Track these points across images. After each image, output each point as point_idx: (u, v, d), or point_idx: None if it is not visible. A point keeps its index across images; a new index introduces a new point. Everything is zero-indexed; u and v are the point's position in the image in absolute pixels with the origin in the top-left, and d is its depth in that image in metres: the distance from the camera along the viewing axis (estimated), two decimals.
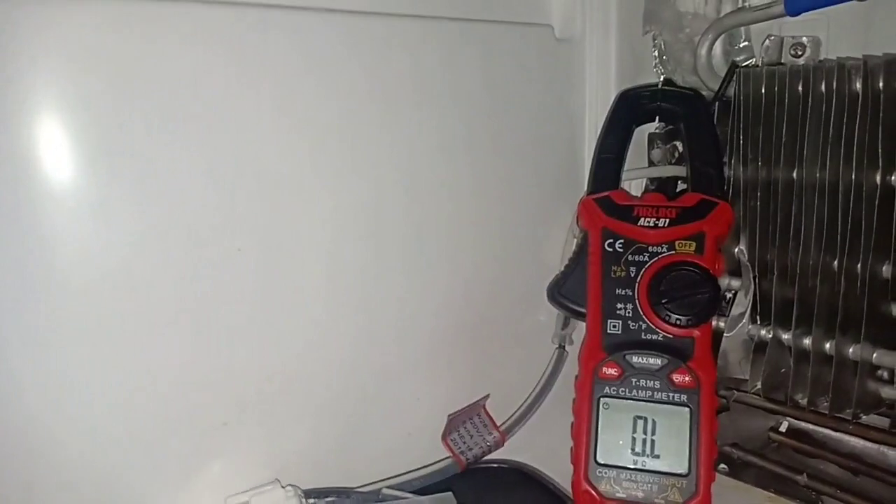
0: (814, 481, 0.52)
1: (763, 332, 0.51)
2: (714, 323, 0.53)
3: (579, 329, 0.52)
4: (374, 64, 0.46)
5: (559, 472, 0.52)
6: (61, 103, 0.36)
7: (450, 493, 0.46)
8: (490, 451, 0.52)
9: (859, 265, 0.47)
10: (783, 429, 0.57)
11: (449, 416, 0.53)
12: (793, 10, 0.49)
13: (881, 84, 0.46)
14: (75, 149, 0.37)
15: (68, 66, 0.36)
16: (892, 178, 0.46)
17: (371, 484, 0.48)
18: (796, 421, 0.56)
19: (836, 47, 0.51)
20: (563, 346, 0.55)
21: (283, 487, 0.43)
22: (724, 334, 0.53)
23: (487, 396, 0.54)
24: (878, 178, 0.46)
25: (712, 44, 0.54)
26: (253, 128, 0.42)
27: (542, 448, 0.54)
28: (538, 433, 0.54)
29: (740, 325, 0.52)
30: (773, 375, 0.51)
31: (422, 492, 0.49)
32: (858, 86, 0.47)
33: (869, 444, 0.53)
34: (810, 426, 0.55)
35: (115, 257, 0.38)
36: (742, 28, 0.55)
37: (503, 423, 0.53)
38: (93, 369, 0.39)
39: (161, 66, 0.38)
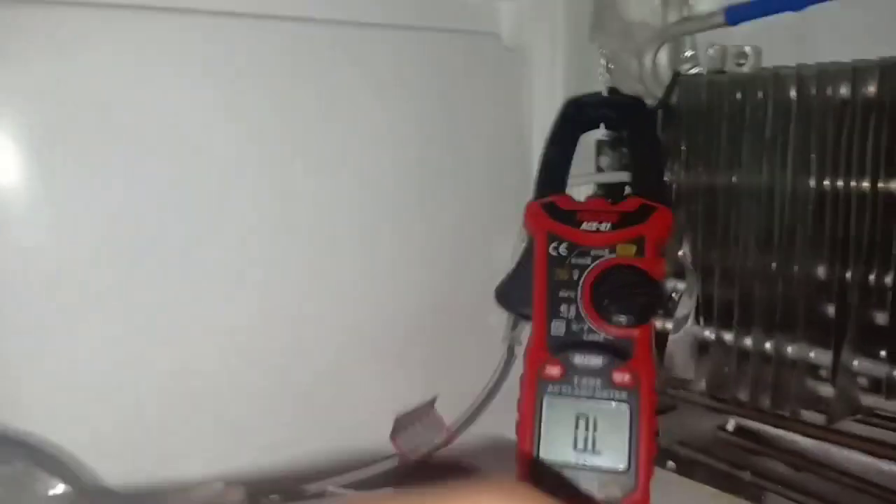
0: (757, 478, 0.54)
1: (707, 332, 0.53)
2: (660, 324, 0.54)
3: (526, 330, 0.54)
4: (320, 71, 0.47)
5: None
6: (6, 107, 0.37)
7: (390, 488, 0.46)
8: (437, 451, 0.53)
9: (795, 267, 0.49)
10: (730, 427, 0.58)
11: (397, 416, 0.54)
12: (732, 21, 0.51)
13: (814, 92, 0.47)
14: (24, 153, 0.37)
15: (13, 67, 0.37)
16: (825, 182, 0.47)
17: (317, 482, 0.49)
18: (743, 419, 0.58)
19: (777, 56, 0.52)
20: (513, 347, 0.56)
21: (226, 485, 0.43)
22: (670, 336, 0.54)
23: (435, 398, 0.55)
24: (812, 183, 0.48)
25: (657, 52, 0.55)
26: (201, 134, 0.43)
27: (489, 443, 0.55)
28: (486, 430, 0.55)
29: (685, 326, 0.54)
30: (716, 375, 0.53)
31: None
32: (793, 94, 0.48)
33: (812, 442, 0.54)
34: (757, 424, 0.57)
35: (51, 262, 0.39)
36: (688, 38, 0.56)
37: (452, 423, 0.54)
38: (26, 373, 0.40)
39: (108, 72, 0.39)
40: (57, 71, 0.38)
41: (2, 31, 0.36)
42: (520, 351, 0.56)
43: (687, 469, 0.57)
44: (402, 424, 0.53)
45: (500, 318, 0.56)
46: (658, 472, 0.54)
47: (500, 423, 0.53)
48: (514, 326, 0.56)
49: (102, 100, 0.39)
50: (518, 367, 0.55)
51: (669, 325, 0.54)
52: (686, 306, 0.53)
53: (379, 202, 0.51)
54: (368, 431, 0.53)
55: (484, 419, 0.55)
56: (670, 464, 0.56)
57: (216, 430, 0.46)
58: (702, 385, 0.53)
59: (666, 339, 0.54)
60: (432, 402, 0.55)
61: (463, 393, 0.55)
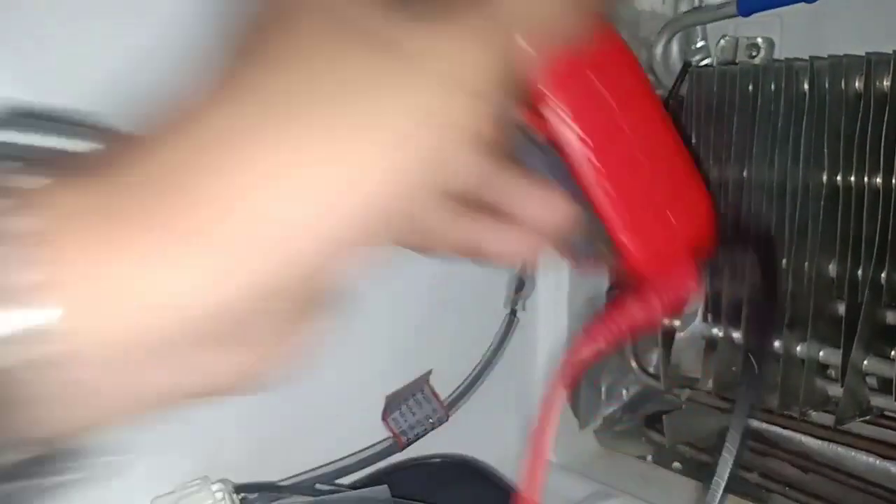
0: (764, 479, 0.53)
1: (714, 330, 0.52)
2: (668, 322, 0.53)
3: (533, 294, 0.52)
4: None
5: (499, 460, 0.52)
6: None
7: (385, 486, 0.45)
8: (433, 428, 0.50)
9: (806, 264, 0.47)
10: None
11: (388, 395, 0.50)
12: (744, 11, 0.50)
13: (827, 85, 0.46)
14: None
15: None
16: (837, 177, 0.46)
17: (308, 472, 0.46)
18: (751, 420, 0.56)
19: (790, 48, 0.51)
20: (515, 312, 0.53)
21: (212, 483, 0.40)
22: (678, 333, 0.53)
23: (430, 372, 0.52)
24: (824, 178, 0.46)
25: (668, 43, 0.54)
26: None
27: (484, 437, 0.53)
28: (481, 420, 0.53)
29: (693, 323, 0.53)
30: (724, 373, 0.52)
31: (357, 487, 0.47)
32: (806, 86, 0.47)
33: (821, 443, 0.53)
34: (763, 425, 0.56)
35: None
36: (699, 28, 0.55)
37: (447, 398, 0.51)
38: None
39: None
40: None
41: None
42: (523, 315, 0.53)
43: (692, 470, 0.56)
44: (393, 402, 0.50)
45: (501, 279, 0.53)
46: (664, 473, 0.53)
47: (500, 396, 0.51)
48: (519, 288, 0.53)
49: None
50: (521, 335, 0.52)
51: (677, 323, 0.53)
52: (694, 303, 0.52)
53: None
54: (357, 410, 0.49)
55: (483, 392, 0.51)
56: (676, 464, 0.56)
57: (194, 426, 0.39)
58: (709, 384, 0.52)
59: (673, 337, 0.53)
60: (427, 377, 0.51)
61: (460, 364, 0.52)
